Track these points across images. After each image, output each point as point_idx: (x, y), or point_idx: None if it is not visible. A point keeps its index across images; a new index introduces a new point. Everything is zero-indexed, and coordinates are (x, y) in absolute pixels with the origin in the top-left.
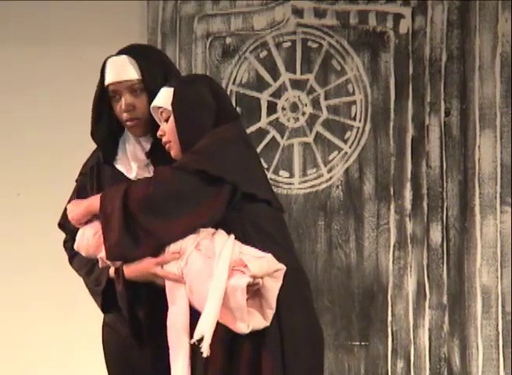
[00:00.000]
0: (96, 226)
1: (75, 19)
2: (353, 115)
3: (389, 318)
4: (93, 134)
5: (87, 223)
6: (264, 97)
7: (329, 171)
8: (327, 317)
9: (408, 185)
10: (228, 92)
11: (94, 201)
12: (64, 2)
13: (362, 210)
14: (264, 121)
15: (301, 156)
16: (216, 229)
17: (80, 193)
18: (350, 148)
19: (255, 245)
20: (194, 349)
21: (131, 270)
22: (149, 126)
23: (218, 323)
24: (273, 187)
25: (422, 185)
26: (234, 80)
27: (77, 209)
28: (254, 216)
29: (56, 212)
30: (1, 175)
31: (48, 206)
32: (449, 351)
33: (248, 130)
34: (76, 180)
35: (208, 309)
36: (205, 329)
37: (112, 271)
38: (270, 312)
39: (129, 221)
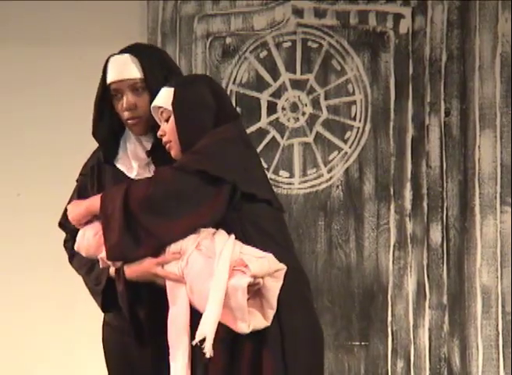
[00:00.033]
0: (96, 226)
1: (75, 19)
2: (353, 115)
3: (389, 318)
4: (94, 133)
5: (87, 223)
6: (265, 97)
7: (329, 171)
8: (327, 317)
9: (408, 185)
10: (228, 92)
11: (94, 202)
12: (64, 2)
13: (362, 210)
14: (264, 121)
15: (301, 156)
16: (216, 229)
17: (80, 193)
18: (350, 148)
19: (256, 245)
20: (194, 349)
21: (132, 270)
22: (150, 125)
23: (219, 323)
24: (273, 187)
25: (422, 185)
26: (234, 80)
27: (77, 210)
28: (254, 216)
29: (56, 212)
30: (1, 175)
31: (48, 206)
32: (449, 351)
33: (248, 130)
34: (77, 180)
35: (209, 310)
36: (207, 330)
37: (112, 271)
38: (271, 312)
39: (129, 221)
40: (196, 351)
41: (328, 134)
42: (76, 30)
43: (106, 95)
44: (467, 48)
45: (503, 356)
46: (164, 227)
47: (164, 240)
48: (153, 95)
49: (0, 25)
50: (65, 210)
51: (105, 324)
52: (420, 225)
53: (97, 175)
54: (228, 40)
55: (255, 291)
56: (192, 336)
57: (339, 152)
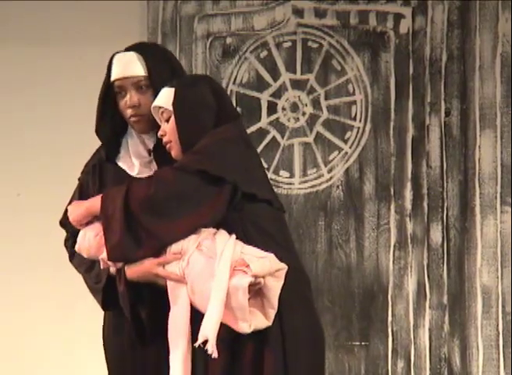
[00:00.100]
0: (97, 227)
1: (75, 19)
2: (353, 115)
3: (390, 318)
4: (97, 131)
5: (87, 224)
6: (265, 97)
7: (330, 171)
8: (327, 317)
9: (408, 185)
10: (228, 92)
11: (94, 202)
12: (64, 2)
13: (362, 210)
14: (264, 121)
15: (301, 156)
16: (217, 229)
17: (82, 191)
18: (350, 148)
19: (257, 245)
20: (195, 349)
21: (133, 271)
22: (153, 124)
23: (220, 323)
24: (273, 187)
25: (422, 185)
26: (234, 80)
27: (78, 210)
28: (254, 216)
29: (56, 212)
30: (1, 175)
31: (48, 206)
32: (450, 351)
33: (248, 130)
34: (79, 179)
35: (210, 311)
36: (209, 331)
37: (113, 271)
38: (272, 312)
39: (130, 222)
40: (196, 351)
41: (328, 134)
42: (76, 30)
43: (110, 93)
44: (468, 48)
45: (504, 356)
46: (165, 228)
47: (165, 240)
48: (157, 93)
49: (0, 25)
50: (67, 209)
51: (106, 324)
52: (420, 225)
53: (98, 173)
54: (228, 40)
55: (256, 291)
56: (193, 336)
57: (340, 152)
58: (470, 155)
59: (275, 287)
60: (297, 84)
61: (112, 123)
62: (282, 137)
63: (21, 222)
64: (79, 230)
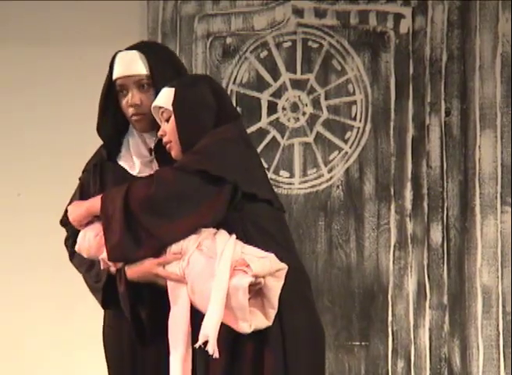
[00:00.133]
0: (97, 227)
1: (75, 19)
2: (353, 115)
3: (390, 318)
4: (98, 130)
5: (87, 224)
6: (265, 97)
7: (330, 171)
8: (327, 317)
9: (408, 185)
10: (228, 92)
11: (94, 203)
12: (64, 2)
13: (362, 210)
14: (264, 121)
15: (302, 156)
16: (217, 229)
17: (83, 190)
18: (350, 148)
19: (257, 245)
20: (196, 349)
21: (133, 271)
22: (154, 123)
23: (220, 323)
24: (273, 187)
25: (423, 185)
26: (234, 80)
27: (78, 211)
28: (254, 216)
29: (56, 212)
30: (1, 175)
31: (48, 206)
32: (450, 352)
33: (248, 130)
34: (80, 178)
35: (211, 311)
36: (209, 331)
37: (112, 270)
38: (272, 312)
39: (130, 222)
40: (197, 351)
41: (328, 134)
42: (76, 30)
43: (112, 91)
44: (468, 48)
45: (504, 356)
46: (165, 228)
47: (165, 240)
48: (158, 92)
49: (0, 25)
50: (67, 209)
51: (106, 325)
52: (420, 225)
53: (99, 173)
54: (228, 40)
55: (256, 291)
56: (193, 336)
57: (340, 152)
58: (470, 155)
59: (275, 287)
60: (297, 84)
61: (113, 122)
62: (283, 137)
63: (21, 222)
64: (79, 230)
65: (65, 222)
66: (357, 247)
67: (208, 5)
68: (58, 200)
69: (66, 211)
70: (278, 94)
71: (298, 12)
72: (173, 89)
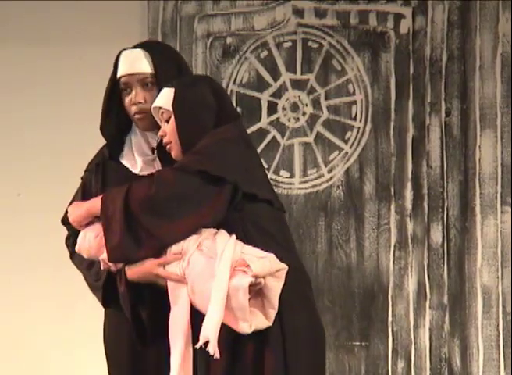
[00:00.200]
0: (97, 228)
1: (75, 19)
2: (353, 115)
3: (390, 318)
4: (102, 128)
5: (88, 224)
6: (265, 97)
7: (330, 171)
8: (327, 317)
9: (409, 185)
10: (228, 92)
11: (95, 203)
12: (64, 2)
13: (363, 210)
14: (264, 121)
15: (302, 156)
16: (218, 229)
17: (85, 189)
18: (350, 148)
19: (257, 245)
20: (196, 349)
21: (133, 272)
22: (157, 122)
23: (220, 324)
24: (274, 187)
25: (423, 185)
26: (234, 80)
27: (78, 211)
28: (255, 216)
29: (56, 212)
30: (1, 175)
31: (48, 206)
32: (450, 352)
33: (249, 130)
34: (82, 178)
35: (211, 312)
36: (210, 332)
37: (113, 268)
38: (272, 312)
39: (130, 222)
40: (198, 351)
41: (328, 134)
42: (76, 30)
43: (116, 90)
44: (468, 48)
45: (504, 356)
46: (165, 228)
47: (165, 241)
48: None
49: (0, 25)
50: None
51: (106, 323)
52: (420, 225)
53: (101, 172)
54: (228, 40)
55: (257, 291)
56: (194, 336)
57: (340, 152)
58: (470, 155)
59: (275, 287)
60: (297, 84)
61: (116, 121)
62: (283, 137)
63: (21, 222)
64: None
65: (66, 221)
66: (358, 247)
67: (208, 5)
68: (58, 200)
69: (67, 210)
70: (278, 94)
71: (298, 12)
72: (173, 89)
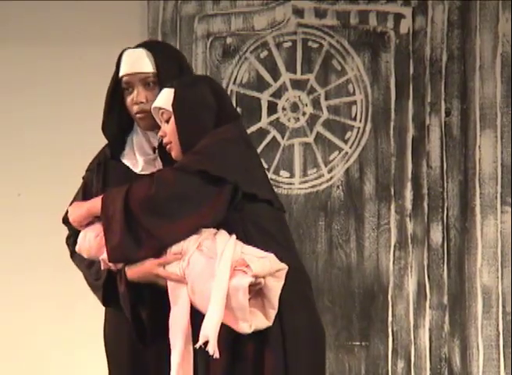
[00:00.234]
0: (97, 228)
1: (75, 19)
2: (353, 115)
3: (390, 318)
4: (104, 128)
5: (88, 224)
6: (265, 97)
7: (330, 171)
8: (327, 317)
9: (409, 185)
10: (228, 92)
11: (95, 203)
12: (64, 2)
13: (363, 210)
14: (264, 121)
15: (302, 156)
16: (218, 229)
17: (86, 189)
18: (350, 148)
19: (257, 245)
20: (196, 349)
21: (133, 272)
22: None
23: (220, 324)
24: (274, 187)
25: (423, 185)
26: (234, 80)
27: (78, 211)
28: (255, 216)
29: (56, 212)
30: (1, 175)
31: (48, 206)
32: (450, 352)
33: (249, 130)
34: (83, 177)
35: (211, 312)
36: (209, 332)
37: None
38: (272, 312)
39: (130, 222)
40: (198, 351)
41: (328, 134)
42: (76, 30)
43: (118, 89)
44: (468, 48)
45: (504, 356)
46: (165, 228)
47: (165, 241)
48: None
49: (0, 25)
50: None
51: (107, 323)
52: (420, 225)
53: (103, 171)
54: (228, 40)
55: (257, 291)
56: (194, 336)
57: (340, 152)
58: (470, 155)
59: (275, 287)
60: (297, 84)
61: (118, 120)
62: (283, 137)
63: (21, 222)
64: None
65: (66, 220)
66: (358, 247)
67: (208, 5)
68: (58, 200)
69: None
70: (278, 94)
71: (298, 12)
72: (173, 90)
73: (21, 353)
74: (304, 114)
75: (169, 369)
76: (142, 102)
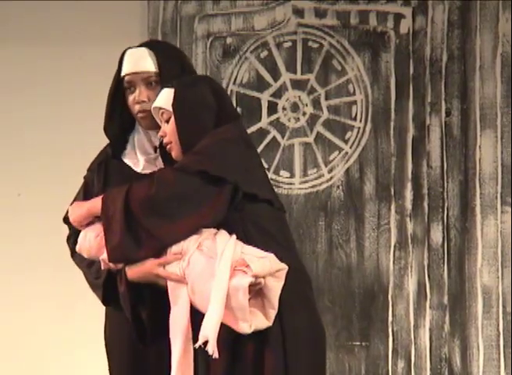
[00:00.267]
0: (98, 228)
1: (75, 19)
2: (353, 115)
3: (390, 318)
4: (105, 127)
5: (88, 224)
6: (265, 97)
7: (330, 171)
8: (328, 317)
9: (409, 185)
10: (228, 92)
11: (95, 203)
12: (64, 2)
13: (363, 210)
14: (264, 121)
15: (302, 156)
16: (218, 229)
17: (87, 188)
18: (350, 148)
19: (257, 245)
20: (196, 349)
21: (133, 272)
22: None
23: (220, 324)
24: (274, 187)
25: (423, 185)
26: (235, 80)
27: (79, 211)
28: (255, 216)
29: (56, 212)
30: (1, 175)
31: (48, 206)
32: (450, 352)
33: (249, 130)
34: (84, 177)
35: (211, 311)
36: (209, 332)
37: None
38: (272, 312)
39: (130, 222)
40: (198, 352)
41: (328, 134)
42: (76, 30)
43: (120, 88)
44: (468, 48)
45: (504, 356)
46: (165, 228)
47: (165, 241)
48: None
49: (0, 25)
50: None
51: (107, 322)
52: (420, 225)
53: (104, 171)
54: (228, 40)
55: (257, 291)
56: (194, 336)
57: (340, 152)
58: (470, 155)
59: (275, 287)
60: (298, 84)
61: (120, 120)
62: (283, 137)
63: (21, 222)
64: None
65: (67, 219)
66: (358, 247)
67: (209, 5)
68: (58, 200)
69: None
70: (278, 94)
71: (298, 12)
72: (173, 90)
73: (21, 353)
74: (304, 114)
75: (170, 369)
76: (144, 101)
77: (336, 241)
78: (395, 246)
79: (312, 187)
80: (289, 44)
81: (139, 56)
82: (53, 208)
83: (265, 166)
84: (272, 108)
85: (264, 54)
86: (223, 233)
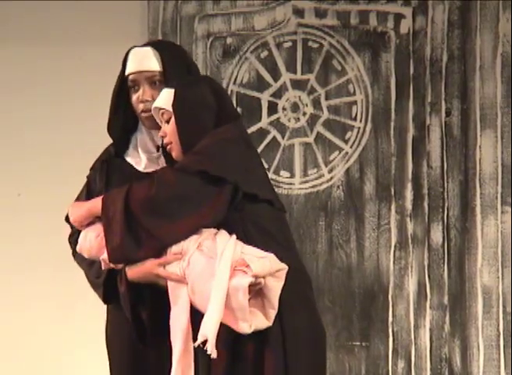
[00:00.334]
0: (98, 228)
1: (75, 19)
2: (353, 115)
3: (390, 318)
4: (109, 126)
5: (89, 225)
6: (265, 97)
7: (330, 171)
8: (328, 317)
9: (409, 185)
10: (228, 92)
11: (96, 203)
12: (64, 2)
13: (363, 210)
14: (264, 121)
15: (302, 156)
16: (218, 229)
17: (90, 187)
18: (350, 148)
19: (257, 245)
20: (197, 349)
21: (134, 272)
22: None
23: (220, 324)
24: (274, 187)
25: (423, 185)
26: (235, 80)
27: (79, 211)
28: (255, 216)
29: (56, 212)
30: (1, 175)
31: (48, 206)
32: (450, 352)
33: (249, 131)
34: (87, 176)
35: (210, 311)
36: (208, 331)
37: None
38: (272, 312)
39: (131, 223)
40: (199, 352)
41: (328, 134)
42: (76, 30)
43: (124, 87)
44: (468, 48)
45: (504, 356)
46: (165, 228)
47: (165, 241)
48: None
49: (0, 25)
50: None
51: (108, 322)
52: (421, 225)
53: (106, 170)
54: (228, 40)
55: (257, 291)
56: (194, 336)
57: (340, 152)
58: (470, 155)
59: (275, 287)
60: (298, 84)
61: (123, 119)
62: (283, 137)
63: (21, 222)
64: None
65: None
66: (358, 247)
67: (209, 5)
68: (58, 200)
69: None
70: (278, 94)
71: (298, 12)
72: (173, 90)
73: (21, 353)
74: (304, 114)
75: (170, 369)
76: (148, 101)
77: (336, 241)
78: (395, 246)
79: (312, 187)
80: (289, 44)
81: (143, 55)
82: (53, 208)
83: (265, 166)
84: (272, 108)
85: (264, 54)
86: (223, 233)
